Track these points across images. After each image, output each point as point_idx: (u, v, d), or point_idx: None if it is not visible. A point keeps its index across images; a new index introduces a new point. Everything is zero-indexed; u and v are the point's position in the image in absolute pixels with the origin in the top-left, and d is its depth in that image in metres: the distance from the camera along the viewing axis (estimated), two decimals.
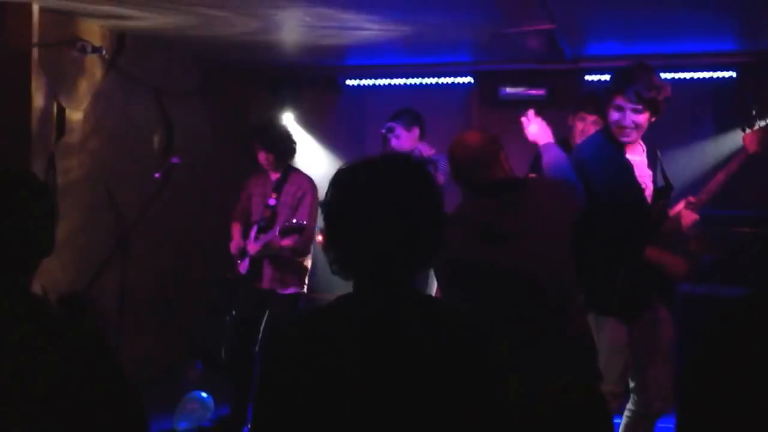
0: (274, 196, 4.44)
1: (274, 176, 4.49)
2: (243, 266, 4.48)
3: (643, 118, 3.08)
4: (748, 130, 3.44)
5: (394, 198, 1.46)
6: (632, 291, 3.07)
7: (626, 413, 3.33)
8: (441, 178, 4.38)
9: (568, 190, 2.75)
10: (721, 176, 3.31)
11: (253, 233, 4.46)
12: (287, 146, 4.50)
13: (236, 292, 4.61)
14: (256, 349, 4.45)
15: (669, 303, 3.29)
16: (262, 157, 4.44)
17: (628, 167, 3.13)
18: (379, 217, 1.45)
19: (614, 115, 3.10)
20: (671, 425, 4.86)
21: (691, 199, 3.31)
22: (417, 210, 1.48)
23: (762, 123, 3.46)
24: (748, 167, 3.27)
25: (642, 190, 3.15)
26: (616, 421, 3.31)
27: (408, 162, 1.54)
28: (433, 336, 1.45)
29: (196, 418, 4.54)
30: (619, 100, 3.07)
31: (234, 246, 4.53)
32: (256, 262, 4.44)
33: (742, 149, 3.33)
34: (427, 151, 4.54)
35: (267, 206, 4.43)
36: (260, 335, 4.46)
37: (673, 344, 3.28)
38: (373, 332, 1.44)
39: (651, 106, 3.05)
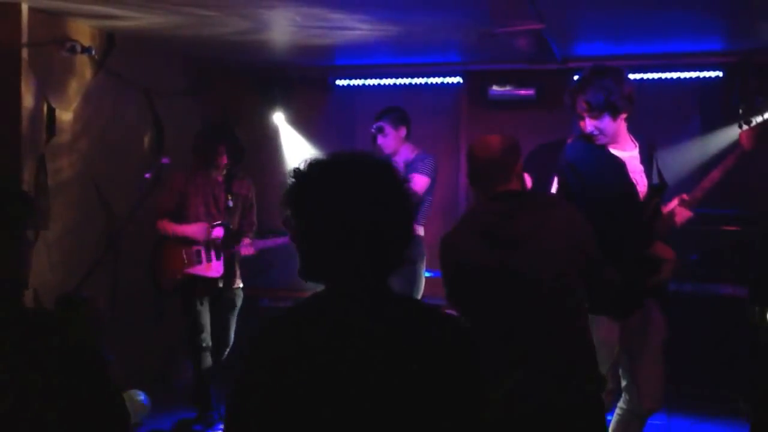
0: (229, 197, 4.52)
1: (220, 178, 4.54)
2: (217, 268, 4.49)
3: (604, 123, 3.10)
4: (744, 127, 3.45)
5: (367, 200, 1.46)
6: (624, 289, 3.08)
7: (617, 411, 3.35)
8: (424, 179, 4.37)
9: (586, 224, 2.60)
10: (716, 173, 3.31)
11: (221, 233, 4.48)
12: (243, 151, 4.66)
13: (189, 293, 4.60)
14: (209, 343, 4.55)
15: (663, 303, 3.31)
16: (225, 159, 4.51)
17: (619, 165, 3.13)
18: (354, 219, 1.44)
19: (580, 123, 3.17)
20: (660, 422, 4.87)
21: (685, 196, 3.32)
22: (389, 211, 1.47)
23: (758, 119, 3.48)
24: (735, 165, 3.29)
25: (634, 187, 3.15)
26: (607, 417, 3.35)
27: (379, 164, 1.53)
28: (410, 336, 1.44)
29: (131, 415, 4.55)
30: (577, 110, 3.14)
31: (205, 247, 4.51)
32: (230, 264, 4.50)
33: (737, 146, 3.34)
34: (410, 152, 4.52)
35: (228, 208, 4.50)
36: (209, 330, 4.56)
37: (665, 344, 3.30)
38: (347, 332, 1.44)
39: (606, 108, 3.07)
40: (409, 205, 1.52)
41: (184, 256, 4.45)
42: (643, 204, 3.18)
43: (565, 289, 2.47)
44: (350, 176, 1.48)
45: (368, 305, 1.47)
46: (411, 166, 4.37)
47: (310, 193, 1.48)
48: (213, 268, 4.49)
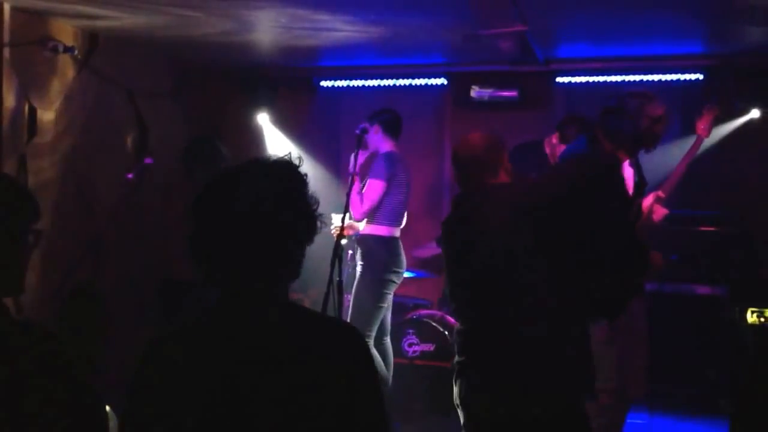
0: None
1: None
2: None
3: None
4: (699, 117, 3.60)
5: (263, 204, 1.45)
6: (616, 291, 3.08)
7: None
8: (374, 183, 4.35)
9: (538, 188, 2.60)
10: (681, 167, 3.42)
11: None
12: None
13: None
14: None
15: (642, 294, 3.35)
16: None
17: (623, 183, 3.10)
18: (248, 224, 1.44)
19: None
20: (642, 421, 4.92)
21: (660, 194, 3.38)
22: (287, 216, 1.46)
23: (710, 109, 3.65)
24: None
25: (629, 199, 3.14)
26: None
27: (280, 167, 1.52)
28: (302, 345, 1.44)
29: None
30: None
31: None
32: None
33: (696, 137, 3.46)
34: (385, 146, 4.51)
35: None
36: None
37: (646, 333, 3.36)
38: (241, 344, 1.43)
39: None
40: (310, 213, 1.51)
41: None
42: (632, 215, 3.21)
43: (515, 265, 2.39)
44: (246, 181, 1.49)
45: (259, 315, 1.46)
46: (370, 171, 4.45)
47: (206, 199, 1.51)
48: None
